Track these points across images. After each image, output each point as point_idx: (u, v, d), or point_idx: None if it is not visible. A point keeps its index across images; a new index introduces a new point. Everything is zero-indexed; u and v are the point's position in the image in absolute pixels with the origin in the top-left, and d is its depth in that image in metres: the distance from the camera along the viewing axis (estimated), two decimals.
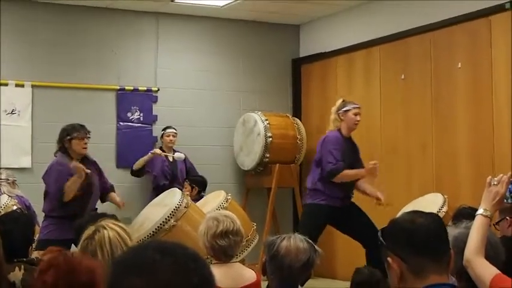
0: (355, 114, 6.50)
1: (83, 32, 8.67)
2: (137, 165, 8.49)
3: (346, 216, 6.49)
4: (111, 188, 6.73)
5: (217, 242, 3.82)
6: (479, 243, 2.79)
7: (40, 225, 6.49)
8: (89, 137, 6.49)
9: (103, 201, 6.67)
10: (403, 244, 2.28)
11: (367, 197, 6.73)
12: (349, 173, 6.44)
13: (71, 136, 6.36)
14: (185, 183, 8.24)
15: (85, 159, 6.46)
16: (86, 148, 6.44)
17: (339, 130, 6.51)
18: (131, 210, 7.60)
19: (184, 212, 5.63)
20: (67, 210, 6.17)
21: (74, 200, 6.20)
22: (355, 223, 6.50)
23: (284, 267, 3.24)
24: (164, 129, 8.69)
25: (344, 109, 6.50)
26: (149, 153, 8.48)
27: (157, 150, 8.51)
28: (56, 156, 6.47)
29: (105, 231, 2.49)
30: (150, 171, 8.50)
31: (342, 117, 6.50)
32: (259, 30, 9.57)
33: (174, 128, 8.67)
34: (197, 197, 8.03)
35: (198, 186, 8.15)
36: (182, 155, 8.50)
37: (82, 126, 6.48)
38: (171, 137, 8.63)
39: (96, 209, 6.49)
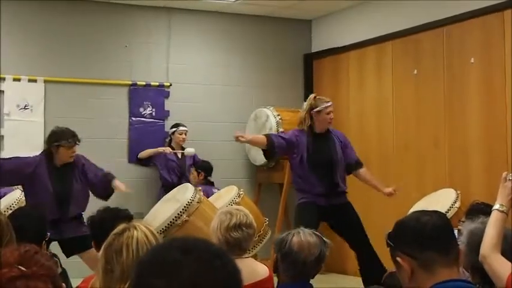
0: (328, 113, 6.44)
1: (96, 27, 8.68)
2: (142, 154, 8.50)
3: (335, 217, 6.37)
4: (110, 176, 6.31)
5: (231, 235, 3.81)
6: (496, 239, 2.79)
7: None
8: (78, 144, 6.17)
9: (108, 194, 6.27)
10: (410, 241, 2.32)
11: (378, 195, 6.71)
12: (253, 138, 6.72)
13: (59, 143, 6.08)
14: (191, 169, 8.31)
15: (70, 163, 6.18)
16: (72, 157, 6.13)
17: (311, 127, 6.42)
18: (143, 205, 7.63)
19: (196, 207, 5.62)
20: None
21: (48, 206, 5.82)
22: (345, 224, 6.40)
23: (299, 263, 3.24)
24: (175, 127, 8.65)
25: (316, 110, 6.42)
26: (159, 149, 8.47)
27: (168, 149, 8.46)
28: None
29: (135, 232, 2.48)
30: (155, 165, 8.51)
31: (314, 117, 6.44)
32: (271, 26, 9.56)
33: (185, 126, 8.66)
34: (204, 182, 8.12)
35: (204, 171, 8.28)
36: (192, 150, 8.47)
37: (73, 134, 6.16)
38: (183, 135, 8.57)
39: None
